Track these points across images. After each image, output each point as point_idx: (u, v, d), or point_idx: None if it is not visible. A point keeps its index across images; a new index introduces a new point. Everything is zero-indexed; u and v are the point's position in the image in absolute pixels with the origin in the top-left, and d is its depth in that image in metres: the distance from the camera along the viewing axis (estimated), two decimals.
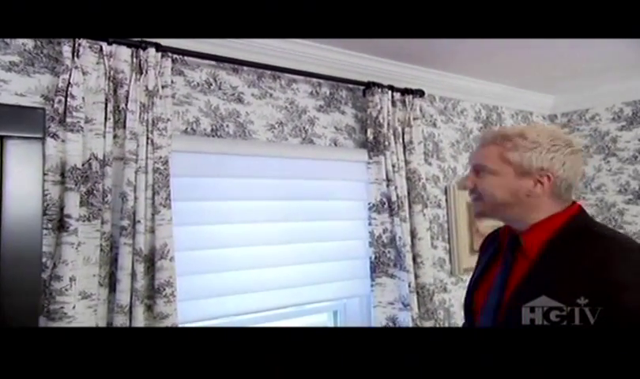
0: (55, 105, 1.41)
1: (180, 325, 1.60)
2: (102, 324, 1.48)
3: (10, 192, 1.01)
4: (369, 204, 2.17)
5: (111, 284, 1.50)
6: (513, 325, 1.08)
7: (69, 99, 1.41)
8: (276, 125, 1.98)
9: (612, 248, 1.01)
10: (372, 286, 2.13)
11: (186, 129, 1.75)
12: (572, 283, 1.00)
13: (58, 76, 1.43)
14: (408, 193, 2.19)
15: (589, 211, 3.00)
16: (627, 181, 2.91)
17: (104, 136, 1.49)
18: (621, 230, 2.91)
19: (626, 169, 2.91)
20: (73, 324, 1.39)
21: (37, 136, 1.05)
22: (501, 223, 1.26)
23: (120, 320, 1.46)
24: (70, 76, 1.42)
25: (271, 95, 1.98)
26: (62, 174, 1.41)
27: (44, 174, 1.38)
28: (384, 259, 2.14)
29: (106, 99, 1.50)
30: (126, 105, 1.53)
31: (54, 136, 1.40)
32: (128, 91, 1.53)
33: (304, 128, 2.07)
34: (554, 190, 1.09)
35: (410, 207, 2.20)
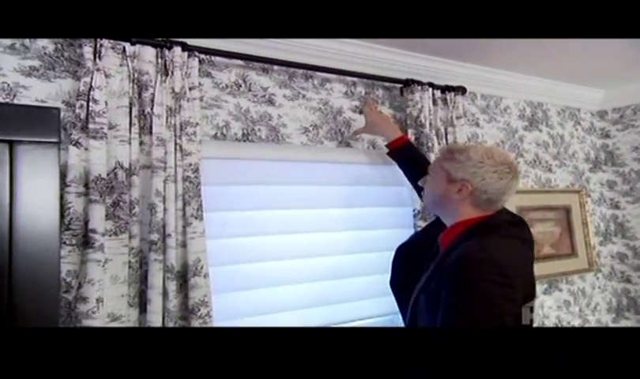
0: (77, 110, 1.31)
1: None
2: None
3: (23, 204, 0.89)
4: (414, 210, 1.99)
5: (142, 304, 1.38)
6: (414, 310, 1.32)
7: (91, 103, 1.31)
8: (311, 128, 1.84)
9: (470, 253, 1.18)
10: None
11: (216, 134, 1.63)
12: (441, 275, 1.21)
13: (80, 80, 1.33)
14: None
15: None
16: None
17: (130, 143, 1.38)
18: None
19: None
20: None
21: (52, 141, 0.92)
22: None
23: None
24: (92, 79, 1.32)
25: (304, 96, 1.85)
26: (86, 185, 1.31)
27: (66, 186, 1.27)
28: None
29: (130, 103, 1.40)
30: (152, 109, 1.41)
31: (77, 143, 1.30)
32: (153, 94, 1.42)
33: (340, 130, 1.92)
34: (474, 198, 1.29)
35: None
